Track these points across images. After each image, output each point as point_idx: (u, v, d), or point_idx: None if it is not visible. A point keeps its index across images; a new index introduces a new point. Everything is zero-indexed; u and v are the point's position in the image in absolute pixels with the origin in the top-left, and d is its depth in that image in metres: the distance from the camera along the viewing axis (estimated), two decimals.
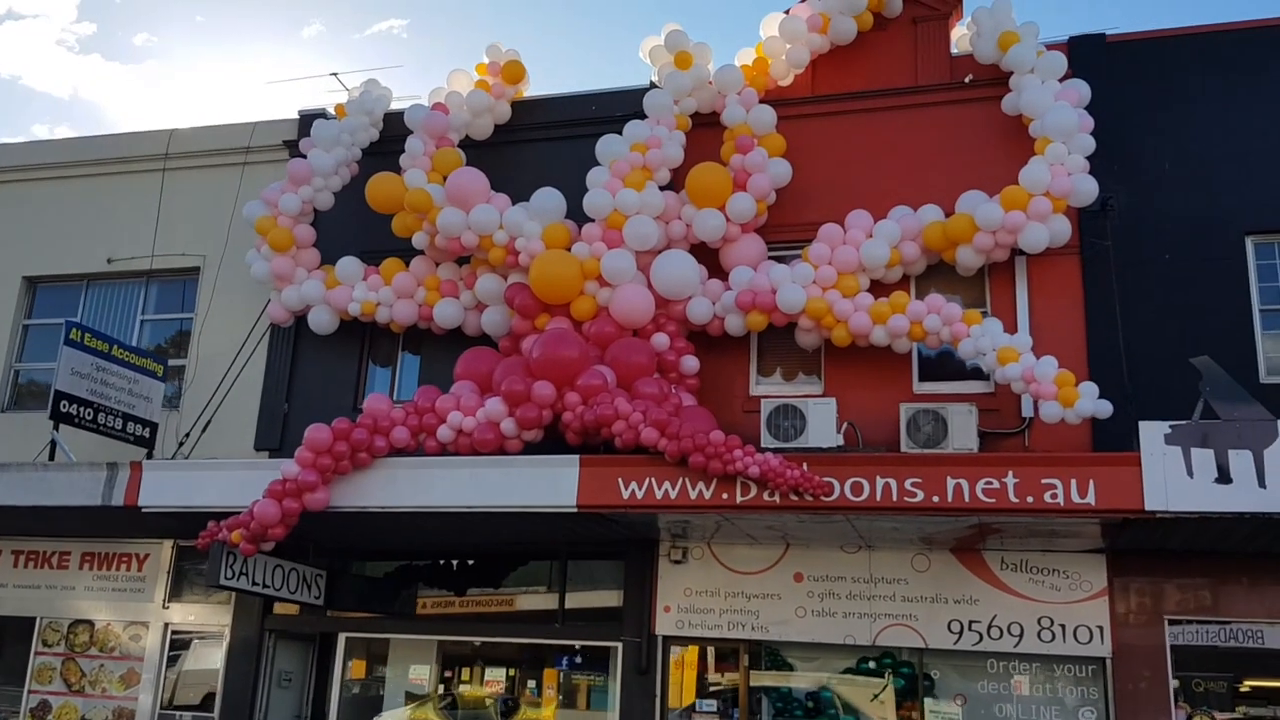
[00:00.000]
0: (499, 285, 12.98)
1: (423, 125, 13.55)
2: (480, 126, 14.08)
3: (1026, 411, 11.79)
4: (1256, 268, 11.73)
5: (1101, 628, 11.13)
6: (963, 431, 11.35)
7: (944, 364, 12.49)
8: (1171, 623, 11.03)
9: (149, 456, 13.96)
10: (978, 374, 12.24)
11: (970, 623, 11.47)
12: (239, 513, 11.61)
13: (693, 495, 10.48)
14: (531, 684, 12.93)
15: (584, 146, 13.82)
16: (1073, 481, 9.61)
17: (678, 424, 10.45)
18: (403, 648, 13.74)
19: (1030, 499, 9.67)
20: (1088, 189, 11.46)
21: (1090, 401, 10.49)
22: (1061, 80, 12.05)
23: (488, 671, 13.23)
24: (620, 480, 10.68)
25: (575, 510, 10.78)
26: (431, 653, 13.63)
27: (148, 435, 14.08)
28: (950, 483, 9.87)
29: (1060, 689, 11.29)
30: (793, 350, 12.89)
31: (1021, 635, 11.31)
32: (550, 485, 10.84)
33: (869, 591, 11.82)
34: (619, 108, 14.00)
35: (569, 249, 12.44)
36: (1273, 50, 12.04)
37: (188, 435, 13.88)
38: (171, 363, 14.77)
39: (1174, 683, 10.88)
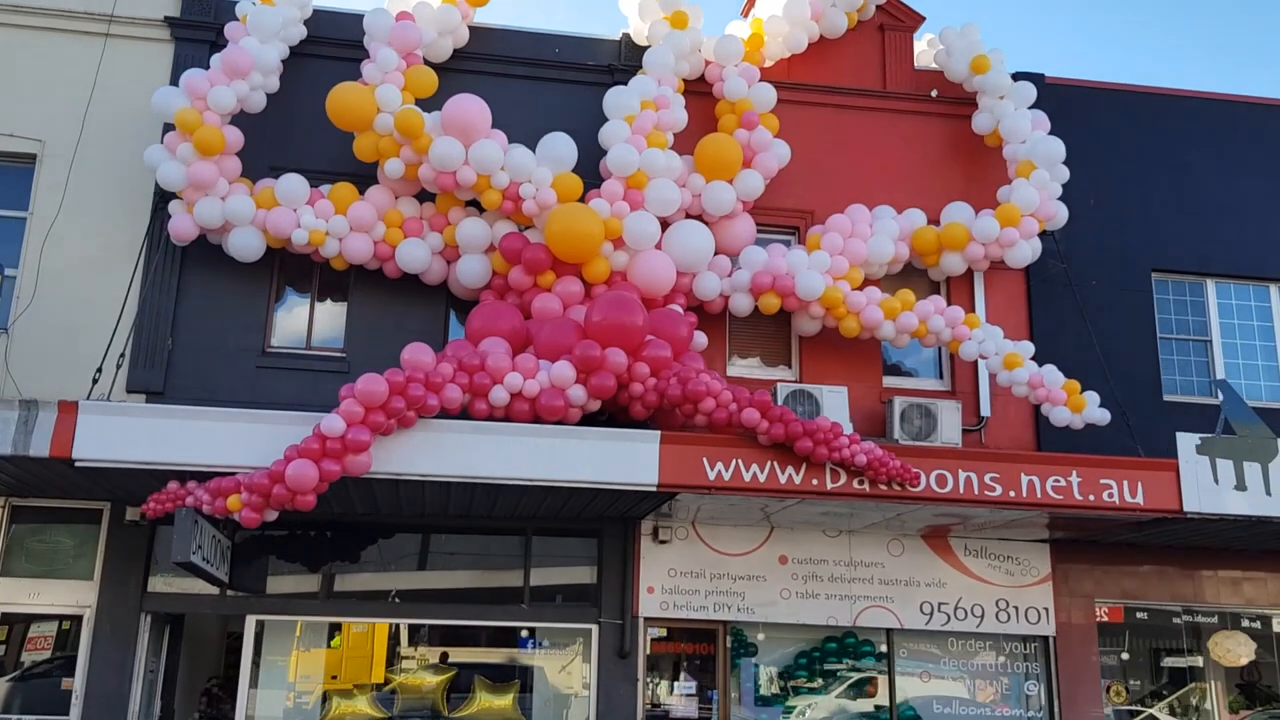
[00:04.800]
0: (485, 232, 11.69)
1: (390, 36, 11.80)
2: (441, 48, 12.53)
3: (985, 411, 12.82)
4: (1157, 301, 13.63)
5: (1047, 609, 12.44)
6: (950, 426, 12.15)
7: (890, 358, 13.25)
8: (1100, 604, 12.59)
9: None
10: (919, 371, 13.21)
11: (939, 604, 12.29)
12: (214, 473, 9.61)
13: (782, 479, 10.28)
14: None
15: (544, 90, 12.99)
16: (1125, 483, 10.71)
17: (780, 407, 10.18)
18: (277, 630, 11.89)
19: (1091, 497, 10.64)
20: (1062, 214, 12.67)
21: (1094, 409, 11.69)
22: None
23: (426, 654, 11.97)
24: (705, 460, 10.19)
25: (655, 489, 10.13)
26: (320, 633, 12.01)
27: None
28: (1025, 479, 10.58)
29: (1011, 665, 12.47)
30: (759, 335, 12.95)
31: (983, 616, 12.32)
32: (628, 462, 10.08)
33: (849, 574, 12.24)
34: (585, 56, 13.21)
35: (579, 203, 11.53)
36: (1183, 117, 14.04)
37: (100, 370, 10.96)
38: None
39: (1102, 658, 12.47)
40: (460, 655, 12.10)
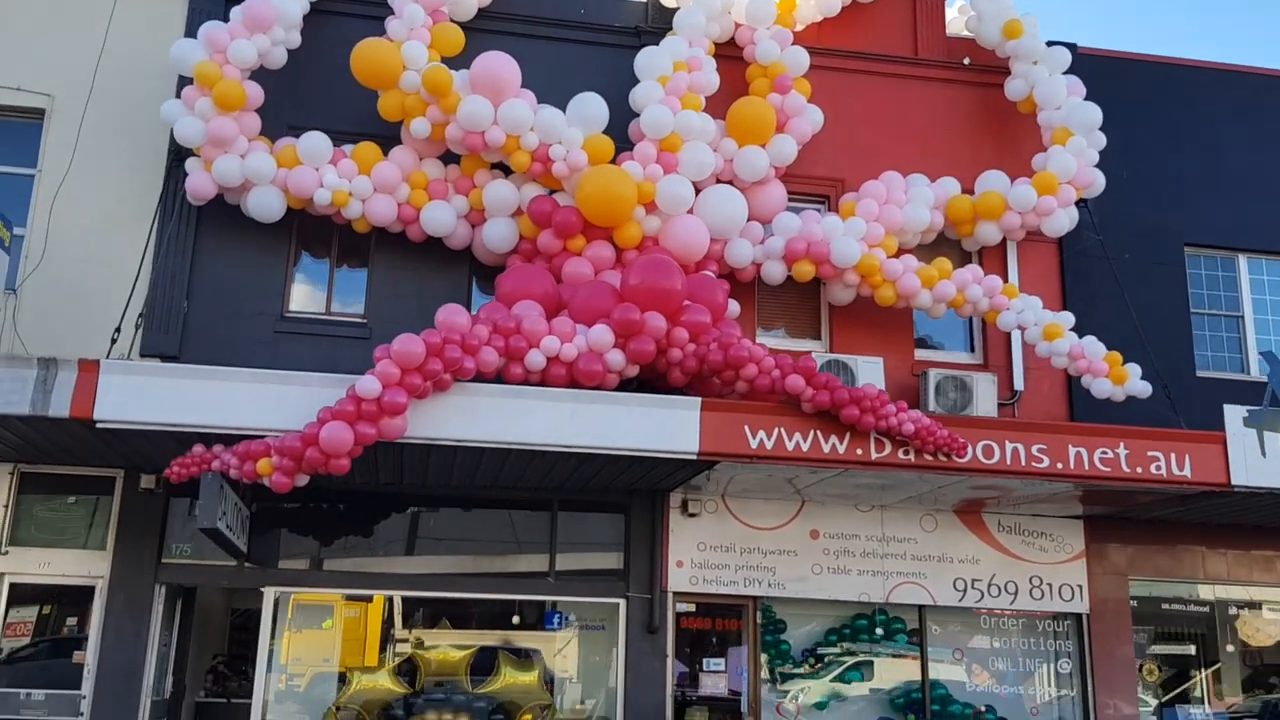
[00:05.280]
0: (513, 194, 11.33)
1: None
2: (465, 6, 12.13)
3: (1018, 384, 12.56)
4: (1190, 276, 13.41)
5: (1081, 586, 12.21)
6: (986, 399, 11.88)
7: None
8: (1132, 581, 12.38)
9: None
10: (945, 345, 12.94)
11: (973, 581, 12.04)
12: (242, 436, 9.22)
13: (825, 448, 9.98)
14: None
15: (568, 52, 12.63)
16: (1172, 455, 10.46)
17: (824, 374, 9.88)
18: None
19: (1139, 469, 10.39)
20: (1100, 181, 12.39)
21: (1136, 381, 11.46)
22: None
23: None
24: (746, 428, 9.88)
25: (696, 458, 9.81)
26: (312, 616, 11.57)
27: None
28: (1072, 450, 10.31)
29: (1043, 643, 12.23)
30: (786, 306, 12.67)
31: (1016, 593, 12.08)
32: (668, 428, 9.76)
33: (882, 550, 11.97)
34: (611, 16, 12.86)
35: (612, 165, 11.18)
36: (1215, 91, 13.82)
37: (118, 330, 10.55)
38: None
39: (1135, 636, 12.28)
40: (453, 638, 11.65)
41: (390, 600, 11.58)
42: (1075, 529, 12.34)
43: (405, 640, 11.84)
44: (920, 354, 12.67)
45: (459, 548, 11.60)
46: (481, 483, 11.19)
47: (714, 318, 10.60)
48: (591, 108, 11.24)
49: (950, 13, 13.75)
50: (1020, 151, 12.95)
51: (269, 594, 11.06)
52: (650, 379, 10.66)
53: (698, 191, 11.53)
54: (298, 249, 11.91)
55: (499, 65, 10.93)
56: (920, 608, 12.03)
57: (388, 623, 11.70)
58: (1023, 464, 10.22)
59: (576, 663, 11.70)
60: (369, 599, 11.51)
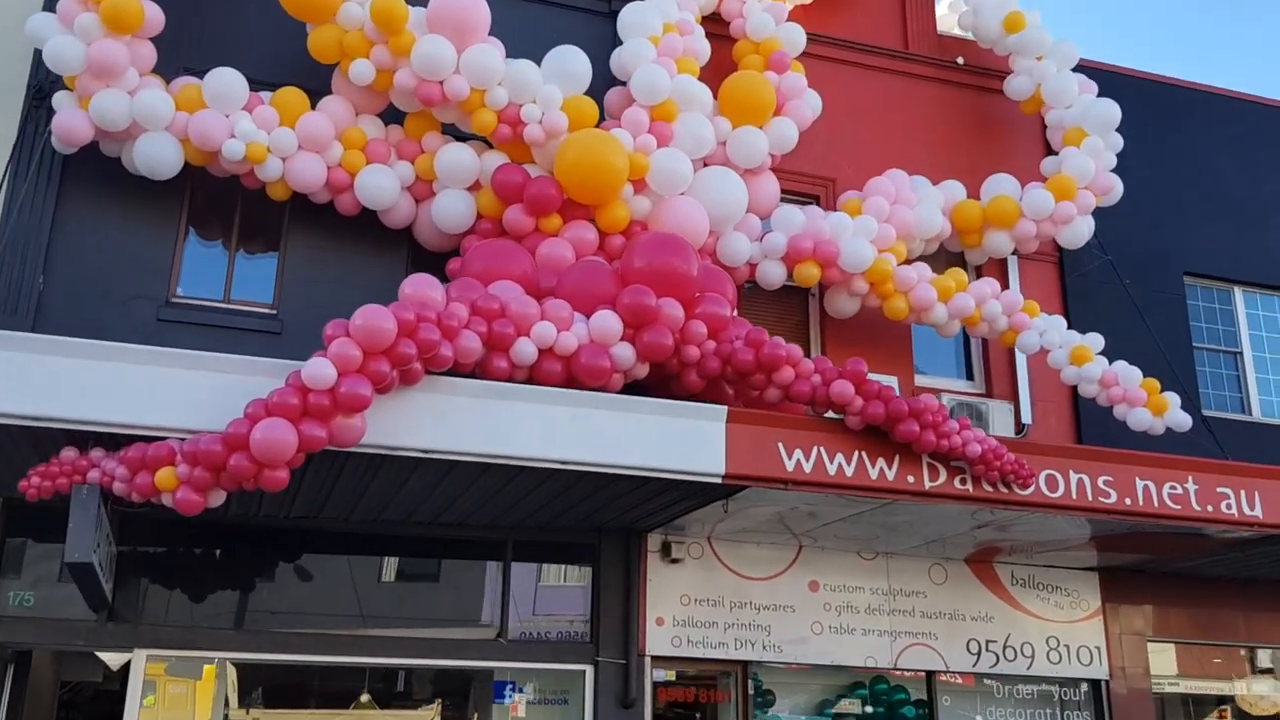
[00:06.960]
0: (472, 161, 9.27)
1: None
2: None
3: (1025, 417, 11.10)
4: (1189, 307, 12.31)
5: (1099, 648, 10.72)
6: (1001, 429, 10.49)
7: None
8: (1152, 643, 10.96)
9: None
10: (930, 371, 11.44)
11: (987, 643, 10.39)
12: (132, 437, 6.82)
13: (873, 474, 8.17)
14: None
15: (528, 15, 10.72)
16: (1242, 492, 9.09)
17: (875, 382, 8.11)
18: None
19: (1210, 508, 8.96)
20: (1118, 187, 11.13)
21: (1177, 411, 10.15)
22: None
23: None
24: (782, 446, 7.99)
25: (720, 481, 7.85)
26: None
27: None
28: (1140, 484, 8.81)
29: (1057, 713, 10.64)
30: (767, 317, 10.92)
31: (1033, 657, 10.48)
32: (687, 443, 7.79)
33: (889, 605, 10.21)
34: None
35: (599, 130, 9.30)
36: (1213, 116, 12.88)
37: None
38: None
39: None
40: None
41: (223, 667, 8.99)
42: (1090, 582, 10.87)
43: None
44: (921, 381, 11.09)
45: (384, 606, 9.24)
46: (421, 519, 8.94)
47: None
48: (573, 63, 9.33)
49: (940, 8, 12.46)
50: (1017, 161, 11.67)
51: (139, 658, 8.45)
52: (650, 384, 8.66)
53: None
54: (190, 219, 9.49)
55: (465, 1, 8.91)
56: (929, 674, 10.26)
57: (220, 700, 9.15)
58: (1089, 498, 8.65)
59: None
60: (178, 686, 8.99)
